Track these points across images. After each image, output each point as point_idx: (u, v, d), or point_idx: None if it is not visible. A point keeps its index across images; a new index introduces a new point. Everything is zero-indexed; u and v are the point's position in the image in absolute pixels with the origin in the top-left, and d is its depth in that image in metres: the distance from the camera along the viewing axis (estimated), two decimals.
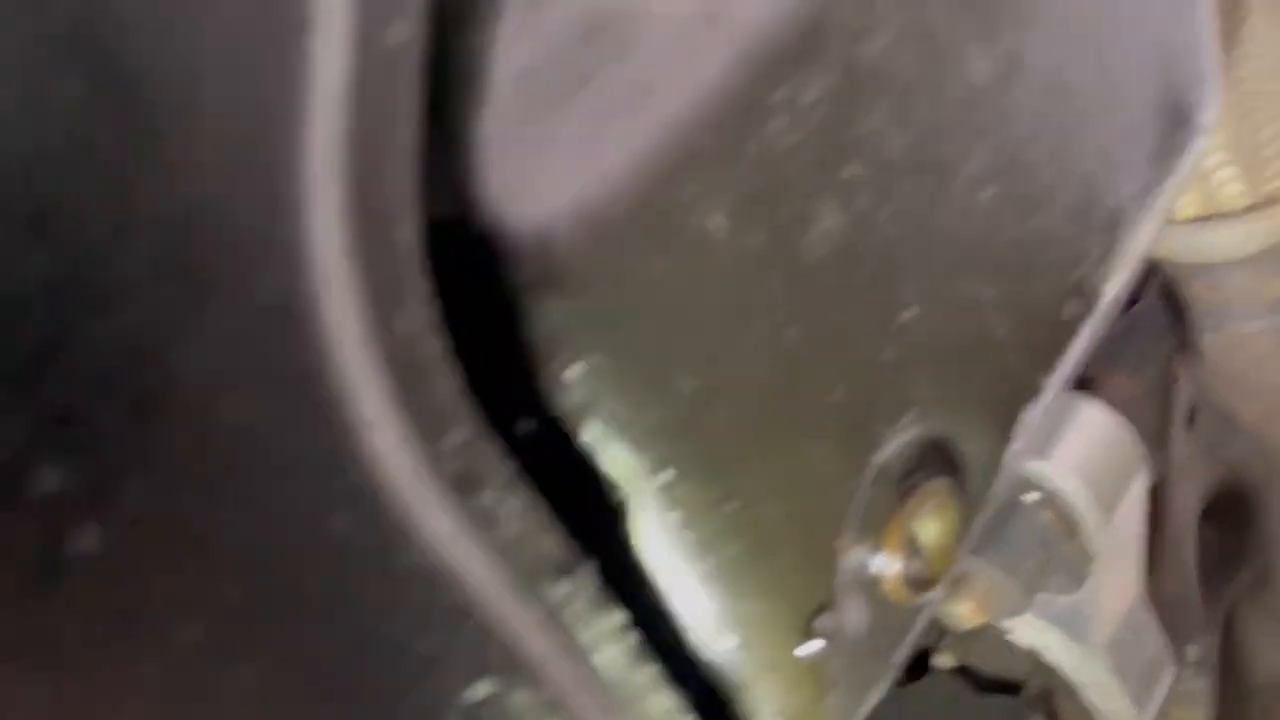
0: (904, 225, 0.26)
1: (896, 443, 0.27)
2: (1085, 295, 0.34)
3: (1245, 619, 0.75)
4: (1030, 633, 0.44)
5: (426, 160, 0.19)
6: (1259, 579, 0.75)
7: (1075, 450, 0.41)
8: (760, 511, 0.24)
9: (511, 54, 0.20)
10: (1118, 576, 0.44)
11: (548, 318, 0.19)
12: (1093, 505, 0.41)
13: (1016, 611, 0.39)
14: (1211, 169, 0.45)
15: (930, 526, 0.28)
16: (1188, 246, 0.49)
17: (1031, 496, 0.40)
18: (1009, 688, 0.47)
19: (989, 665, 0.46)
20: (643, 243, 0.20)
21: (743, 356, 0.23)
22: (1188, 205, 0.47)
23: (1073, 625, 0.43)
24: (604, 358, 0.20)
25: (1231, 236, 0.47)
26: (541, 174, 0.19)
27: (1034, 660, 0.45)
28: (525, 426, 0.20)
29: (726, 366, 0.22)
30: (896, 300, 0.26)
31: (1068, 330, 0.33)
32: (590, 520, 0.20)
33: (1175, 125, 0.37)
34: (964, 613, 0.38)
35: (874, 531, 0.27)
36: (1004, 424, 0.31)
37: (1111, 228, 0.34)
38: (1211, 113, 0.38)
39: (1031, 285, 0.31)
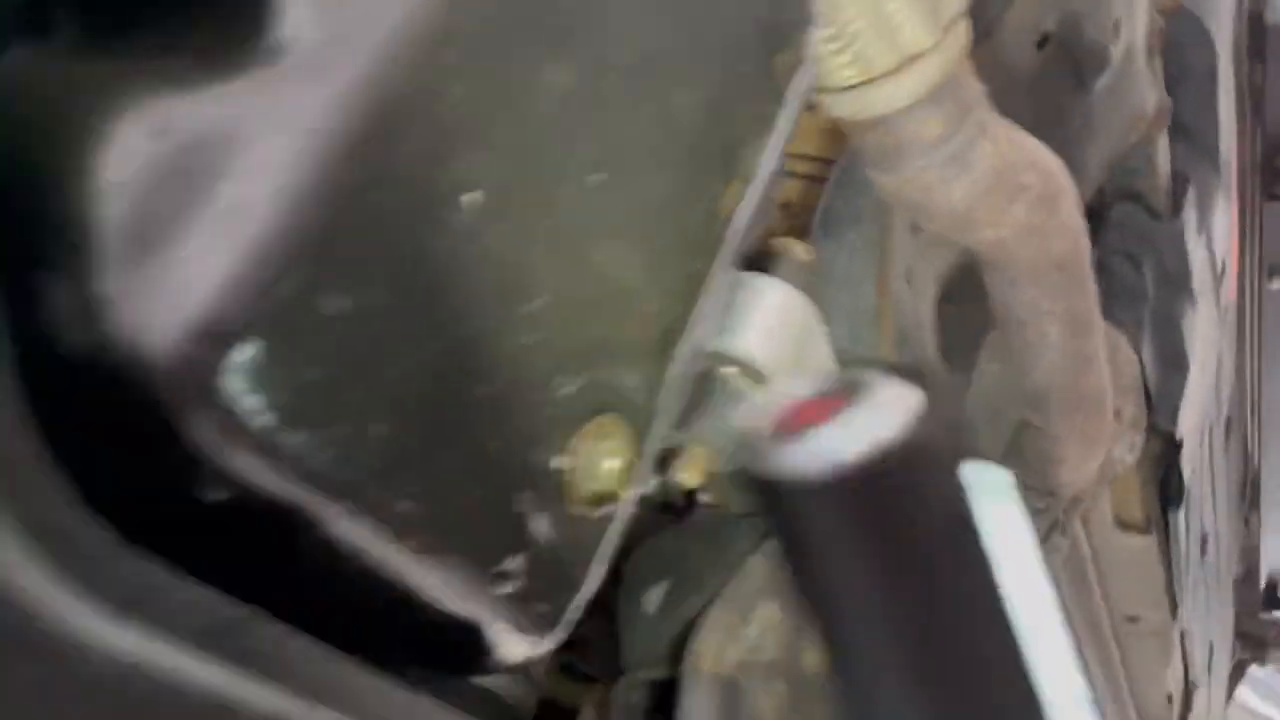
0: (522, 234, 0.32)
1: (561, 396, 0.34)
2: (718, 224, 0.40)
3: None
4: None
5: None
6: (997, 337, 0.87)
7: (760, 322, 0.48)
8: (447, 489, 0.31)
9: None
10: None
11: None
12: (781, 364, 0.49)
13: (728, 464, 0.48)
14: (855, 39, 0.52)
15: (601, 448, 0.36)
16: (856, 106, 0.55)
17: (729, 369, 0.47)
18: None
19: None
20: (276, 343, 0.25)
21: (408, 379, 0.29)
22: (849, 74, 0.53)
23: None
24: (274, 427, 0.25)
25: (888, 93, 0.54)
26: (168, 296, 0.24)
27: None
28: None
29: (394, 393, 0.28)
30: (527, 293, 0.32)
31: (703, 268, 0.40)
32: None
33: (781, 46, 0.42)
34: (687, 479, 0.46)
35: (551, 463, 0.34)
36: (656, 357, 0.38)
37: (731, 162, 0.40)
38: (816, 10, 0.44)
39: (660, 240, 0.37)
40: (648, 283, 0.37)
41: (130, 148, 0.24)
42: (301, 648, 0.26)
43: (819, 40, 0.52)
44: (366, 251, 0.27)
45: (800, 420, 0.24)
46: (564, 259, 0.33)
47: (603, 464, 0.35)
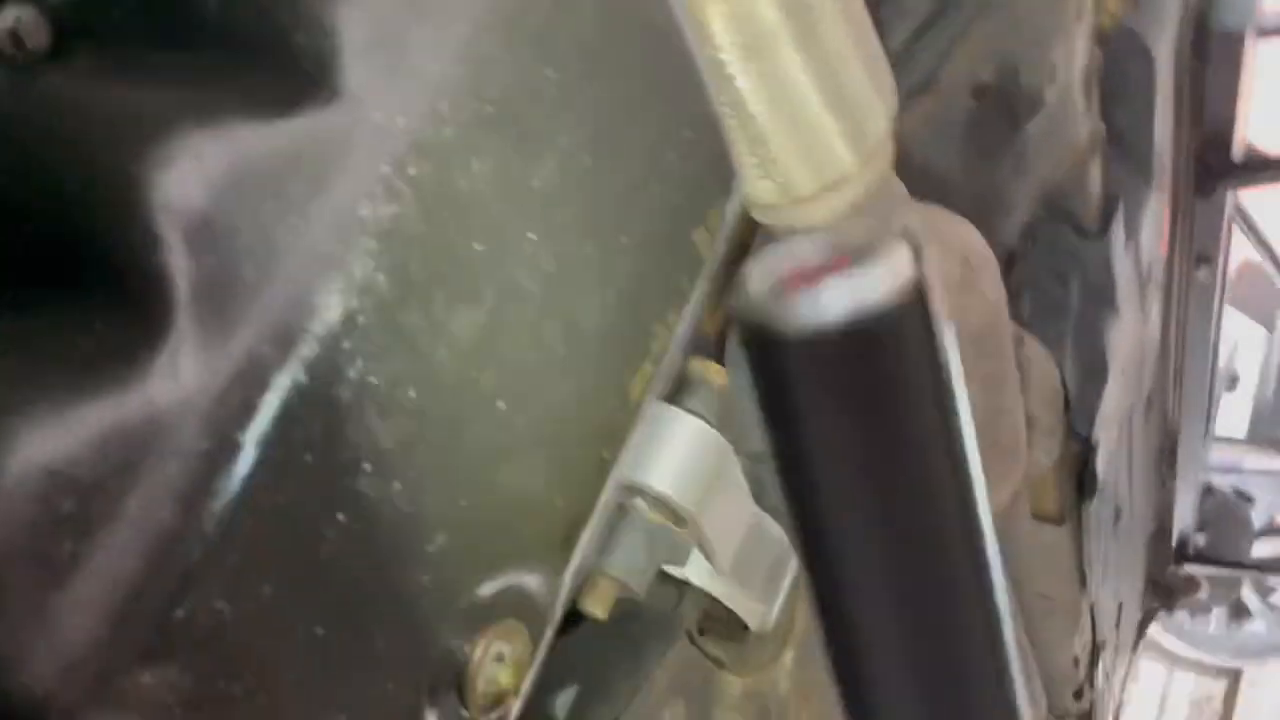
0: (422, 484, 0.32)
1: (463, 609, 0.35)
2: (628, 410, 0.41)
3: None
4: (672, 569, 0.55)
5: None
6: None
7: (672, 459, 0.49)
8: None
9: None
10: (728, 516, 0.55)
11: None
12: (691, 500, 0.50)
13: (639, 594, 0.50)
14: (776, 167, 0.52)
15: (501, 652, 0.37)
16: (774, 218, 0.56)
17: (639, 502, 0.49)
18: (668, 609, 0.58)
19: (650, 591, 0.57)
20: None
21: (303, 655, 0.30)
22: (770, 197, 0.54)
23: (703, 561, 0.54)
24: None
25: (807, 213, 0.55)
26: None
27: (682, 583, 0.57)
28: None
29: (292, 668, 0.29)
30: (428, 536, 0.33)
31: (610, 456, 0.40)
32: None
33: (701, 220, 0.43)
34: (594, 609, 0.48)
35: (455, 671, 0.35)
36: (558, 553, 0.39)
37: (644, 345, 0.41)
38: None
39: (567, 443, 0.38)
40: (555, 486, 0.38)
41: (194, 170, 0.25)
42: None
43: (743, 163, 0.52)
44: (264, 551, 0.28)
45: (802, 277, 0.24)
46: (470, 491, 0.34)
47: (501, 668, 0.37)
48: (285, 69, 0.29)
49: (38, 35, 0.34)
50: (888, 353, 0.24)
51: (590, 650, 0.56)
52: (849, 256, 0.24)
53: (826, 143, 0.53)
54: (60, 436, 0.25)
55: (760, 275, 0.24)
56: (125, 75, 0.31)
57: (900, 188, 0.61)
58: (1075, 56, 0.93)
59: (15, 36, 0.33)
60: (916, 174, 0.65)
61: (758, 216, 0.58)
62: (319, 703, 0.30)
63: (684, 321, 0.43)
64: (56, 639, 0.25)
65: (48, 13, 0.34)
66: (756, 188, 0.55)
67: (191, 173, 0.27)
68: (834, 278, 0.24)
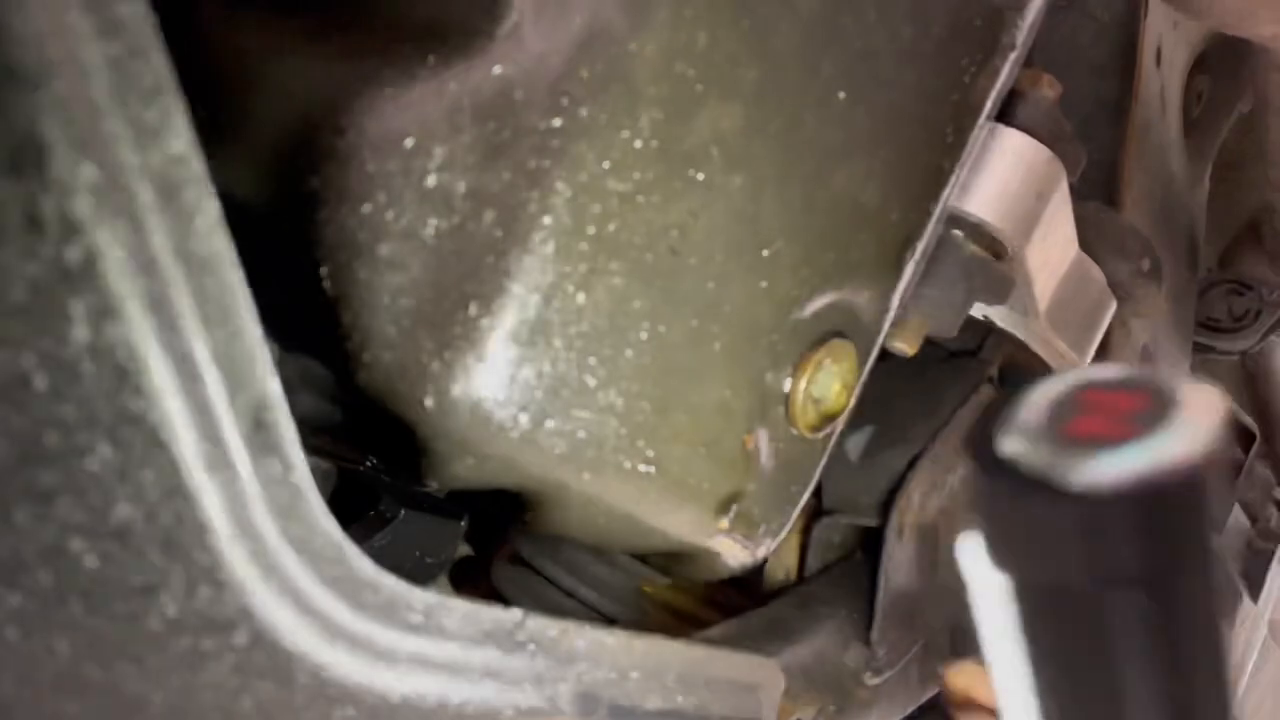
0: (759, 180, 0.30)
1: (796, 323, 0.33)
2: (969, 114, 0.36)
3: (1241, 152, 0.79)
4: (980, 309, 0.50)
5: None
6: (1254, 114, 0.78)
7: (995, 180, 0.44)
8: (682, 446, 0.31)
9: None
10: (1051, 249, 0.49)
11: None
12: (1015, 227, 0.45)
13: (949, 333, 0.46)
14: None
15: (831, 371, 0.35)
16: None
17: (957, 233, 0.44)
18: (969, 352, 0.54)
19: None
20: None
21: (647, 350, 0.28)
22: None
23: (1014, 304, 0.50)
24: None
25: None
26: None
27: (987, 327, 0.53)
28: None
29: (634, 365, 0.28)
30: (764, 241, 0.31)
31: (949, 164, 0.36)
32: None
33: None
34: (903, 347, 0.45)
35: (782, 382, 0.34)
36: (890, 271, 0.36)
37: (993, 37, 0.35)
38: None
39: (903, 143, 0.34)
40: (891, 195, 0.34)
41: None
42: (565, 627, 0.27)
43: None
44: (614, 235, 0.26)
45: (1097, 424, 0.21)
46: (808, 191, 0.31)
47: (831, 387, 0.35)
48: None
49: None
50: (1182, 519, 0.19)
51: (889, 391, 0.53)
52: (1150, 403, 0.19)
53: None
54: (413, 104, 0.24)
55: (1026, 416, 0.20)
56: None
57: None
58: None
59: None
60: None
61: None
62: (665, 403, 0.29)
63: (1035, 11, 0.37)
64: None
65: None
66: None
67: None
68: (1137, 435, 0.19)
